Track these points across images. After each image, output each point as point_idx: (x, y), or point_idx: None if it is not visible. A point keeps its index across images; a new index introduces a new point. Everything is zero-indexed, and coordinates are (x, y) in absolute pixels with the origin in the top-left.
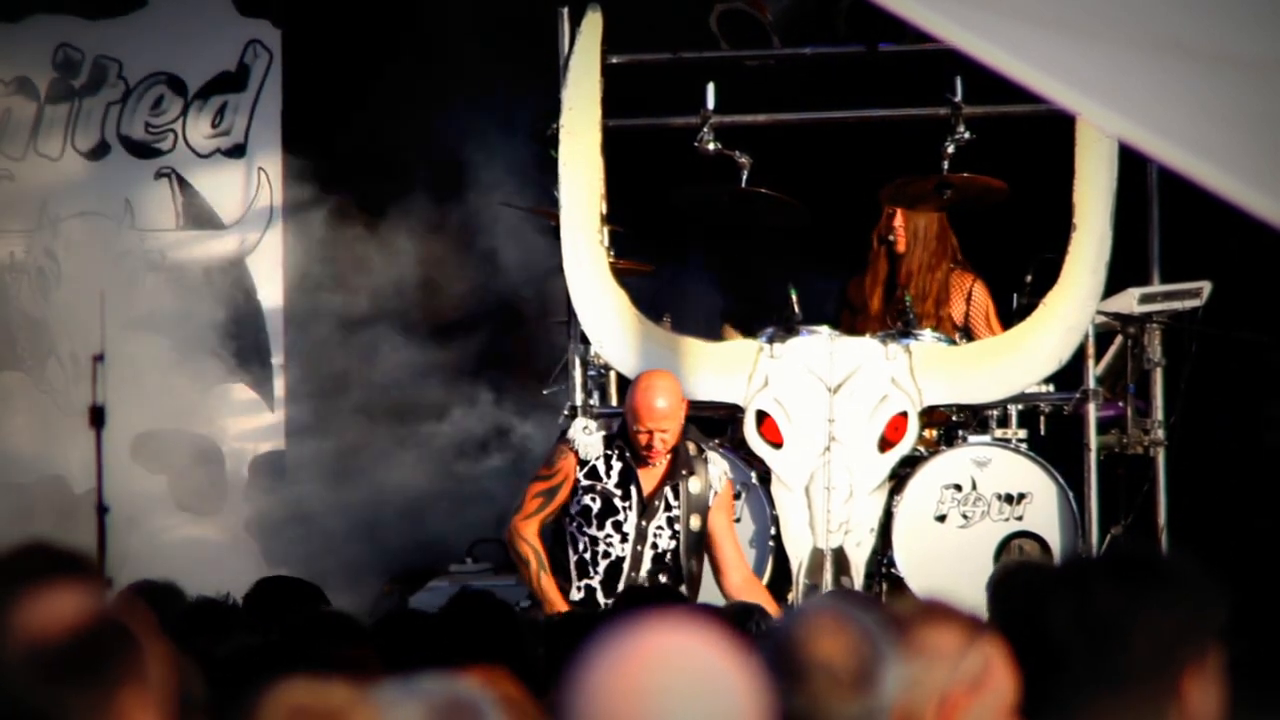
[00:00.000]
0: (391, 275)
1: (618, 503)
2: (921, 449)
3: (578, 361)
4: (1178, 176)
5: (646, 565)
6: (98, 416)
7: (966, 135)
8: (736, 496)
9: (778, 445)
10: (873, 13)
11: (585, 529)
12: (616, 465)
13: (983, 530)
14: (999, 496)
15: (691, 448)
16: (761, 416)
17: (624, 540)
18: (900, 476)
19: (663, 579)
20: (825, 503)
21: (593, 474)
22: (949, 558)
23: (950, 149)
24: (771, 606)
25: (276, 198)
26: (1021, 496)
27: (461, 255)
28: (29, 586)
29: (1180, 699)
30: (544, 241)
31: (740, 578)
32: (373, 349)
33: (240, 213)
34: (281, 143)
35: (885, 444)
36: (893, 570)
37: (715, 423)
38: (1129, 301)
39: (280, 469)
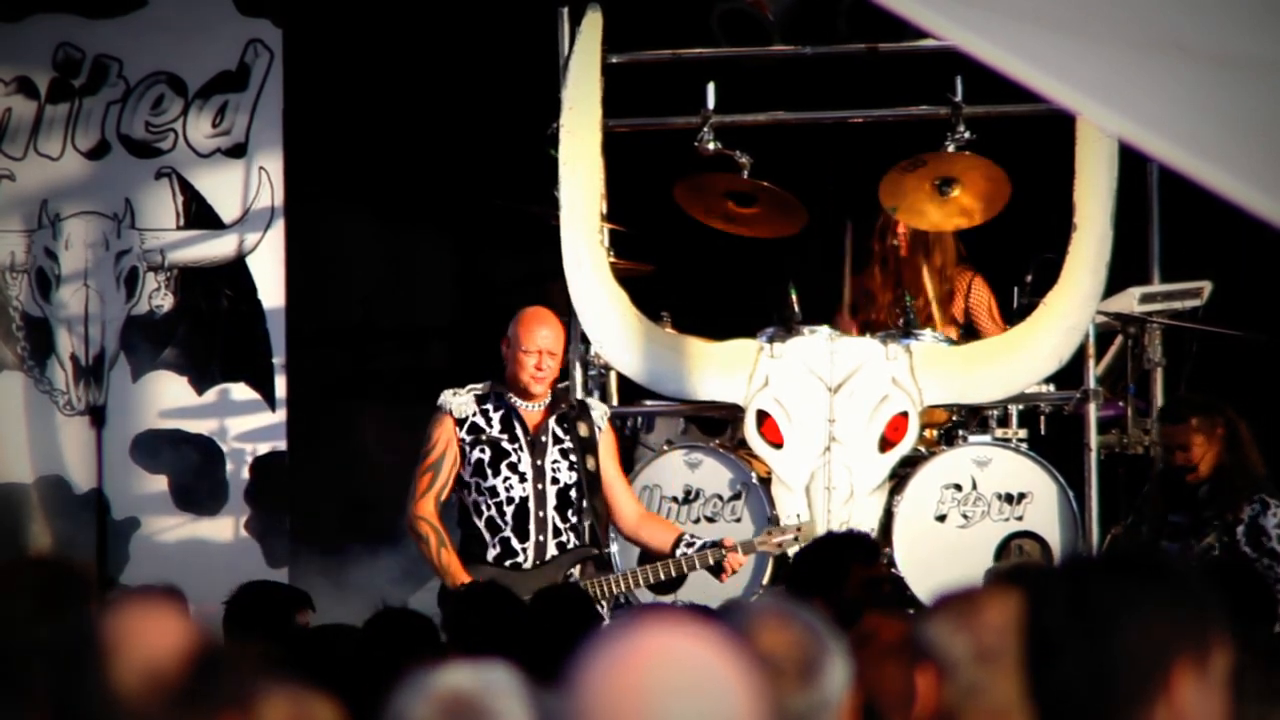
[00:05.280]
0: (392, 274)
1: (507, 445)
2: (922, 449)
3: (578, 361)
4: (1178, 176)
5: (551, 502)
6: (98, 416)
7: (967, 135)
8: (736, 496)
9: (778, 445)
10: (874, 12)
11: (484, 484)
12: (497, 414)
13: (983, 530)
14: (999, 496)
15: (573, 398)
16: (762, 416)
17: (523, 480)
18: (900, 476)
19: (571, 516)
20: (825, 503)
21: (474, 429)
22: (949, 557)
23: (950, 149)
24: (670, 531)
25: (277, 197)
26: (1022, 496)
27: (461, 255)
28: (135, 613)
29: (1169, 694)
30: (544, 241)
31: (637, 514)
32: (373, 348)
33: (241, 212)
34: (282, 142)
35: (885, 444)
36: (893, 570)
37: (716, 422)
38: (1129, 301)
39: (281, 469)
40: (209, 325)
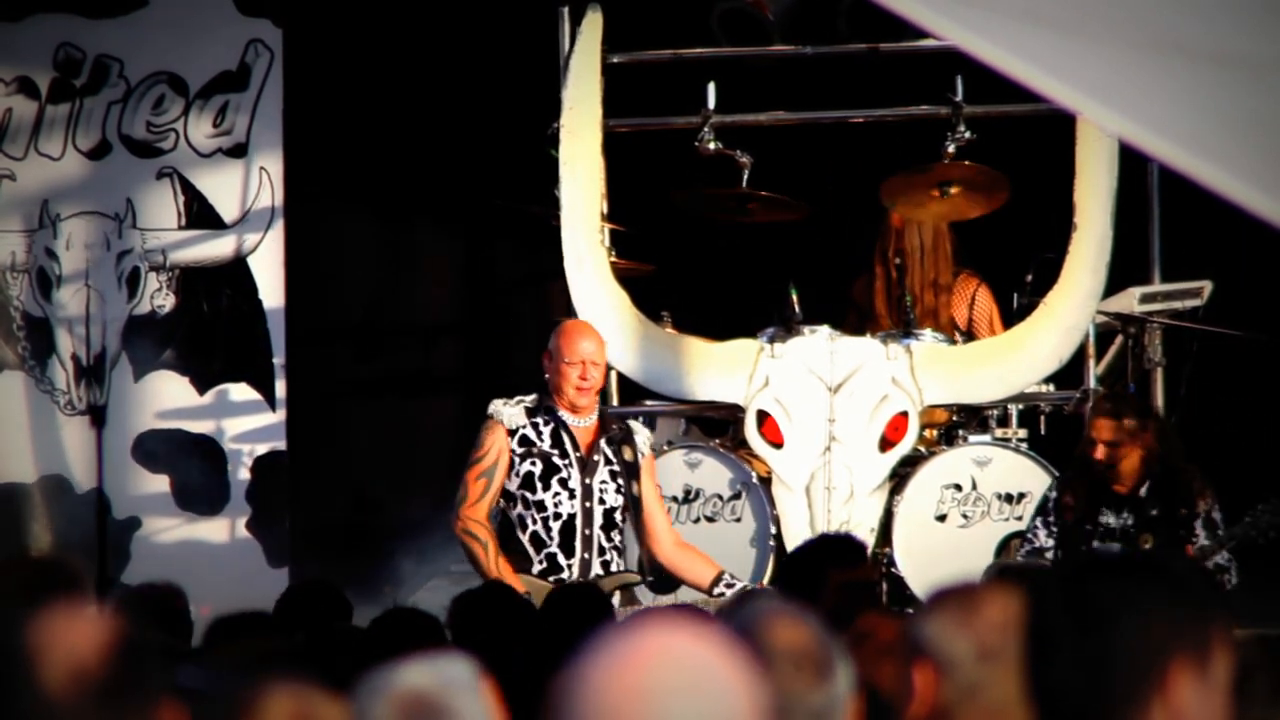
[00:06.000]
0: (392, 274)
1: (558, 460)
2: (922, 449)
3: None
4: (1178, 176)
5: (598, 521)
6: (98, 416)
7: (967, 135)
8: (736, 496)
9: (778, 445)
10: (874, 12)
11: (531, 498)
12: (547, 428)
13: (983, 530)
14: (999, 496)
15: (615, 424)
16: (762, 416)
17: (572, 497)
18: (900, 476)
19: (615, 537)
20: (826, 503)
21: (525, 441)
22: (949, 557)
23: (951, 148)
24: (710, 567)
25: (278, 197)
26: (1021, 496)
27: (462, 255)
28: (47, 607)
29: (1165, 693)
30: (544, 241)
31: (673, 542)
32: (373, 349)
33: (241, 212)
34: (283, 142)
35: (886, 444)
36: (893, 570)
37: (716, 423)
38: (1129, 301)
39: (281, 469)
40: (210, 325)
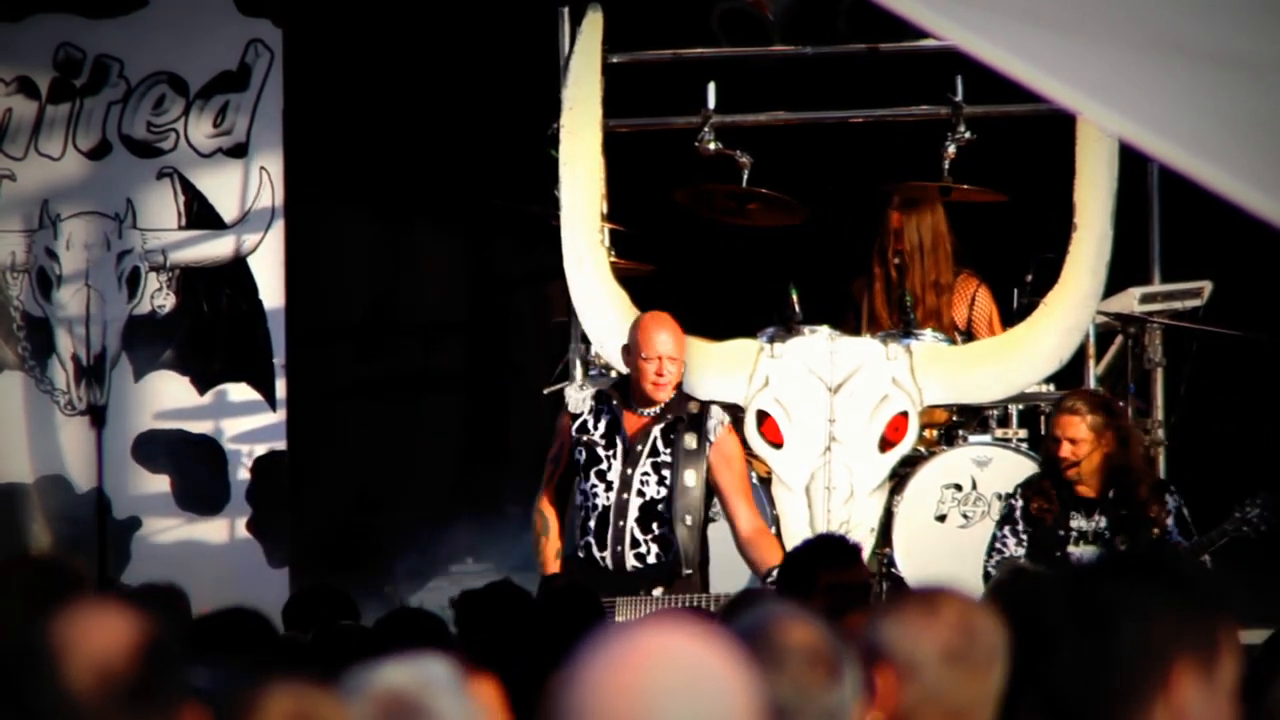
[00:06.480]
0: (392, 274)
1: (601, 451)
2: (921, 449)
3: (578, 361)
4: (1178, 176)
5: (633, 514)
6: (98, 416)
7: (967, 135)
8: None
9: (778, 445)
10: (874, 12)
11: (579, 485)
12: (605, 418)
13: (983, 530)
14: (999, 496)
15: (693, 405)
16: (762, 416)
17: (609, 489)
18: (900, 476)
19: (655, 528)
20: (825, 503)
21: (583, 428)
22: (949, 558)
23: (951, 149)
24: (768, 560)
25: (278, 197)
26: None
27: (462, 255)
28: (72, 610)
29: (1167, 693)
30: (544, 241)
31: (749, 528)
32: (374, 349)
33: (241, 212)
34: (283, 142)
35: (885, 444)
36: (893, 570)
37: None
38: (1129, 301)
39: (281, 469)
40: (210, 325)
